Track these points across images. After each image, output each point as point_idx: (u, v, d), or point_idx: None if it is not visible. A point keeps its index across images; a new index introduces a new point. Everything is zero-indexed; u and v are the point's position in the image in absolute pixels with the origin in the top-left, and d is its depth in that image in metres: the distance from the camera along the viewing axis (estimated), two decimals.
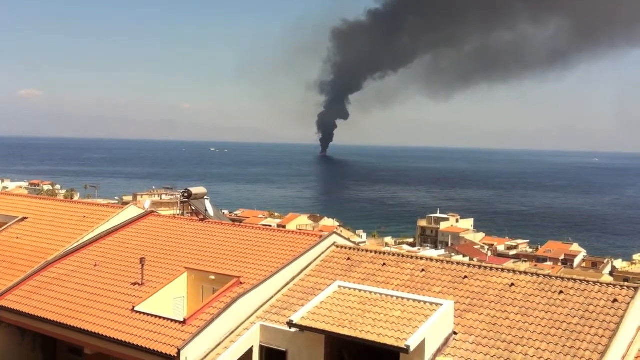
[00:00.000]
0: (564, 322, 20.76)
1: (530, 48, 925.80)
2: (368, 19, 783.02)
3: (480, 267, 25.12)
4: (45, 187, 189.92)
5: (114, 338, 23.98)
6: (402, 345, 19.25)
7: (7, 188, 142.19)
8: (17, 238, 33.72)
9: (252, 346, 22.81)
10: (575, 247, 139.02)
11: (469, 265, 25.63)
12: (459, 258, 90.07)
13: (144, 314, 24.79)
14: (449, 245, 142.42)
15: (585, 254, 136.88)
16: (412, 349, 19.18)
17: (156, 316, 24.49)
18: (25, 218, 35.77)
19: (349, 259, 26.99)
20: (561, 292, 22.23)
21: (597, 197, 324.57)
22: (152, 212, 35.97)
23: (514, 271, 24.38)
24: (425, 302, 21.28)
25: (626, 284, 22.57)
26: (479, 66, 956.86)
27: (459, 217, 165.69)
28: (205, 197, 35.85)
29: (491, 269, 24.76)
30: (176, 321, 23.89)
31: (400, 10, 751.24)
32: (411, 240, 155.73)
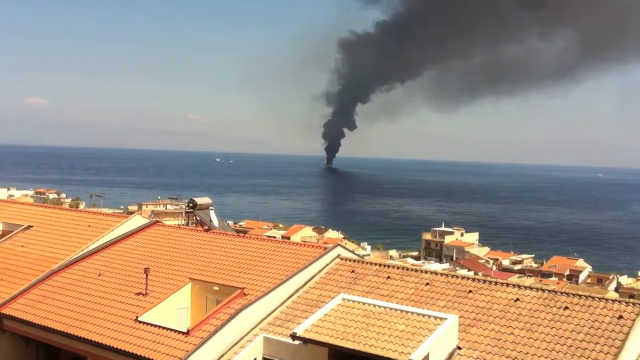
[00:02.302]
0: (569, 338, 20.65)
1: (538, 62, 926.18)
2: (376, 31, 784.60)
3: (485, 281, 25.03)
4: (51, 196, 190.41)
5: (117, 348, 23.94)
6: (406, 359, 19.16)
7: (13, 196, 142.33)
8: (22, 246, 33.78)
9: (255, 358, 22.74)
10: (580, 262, 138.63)
11: (473, 279, 25.56)
12: (464, 272, 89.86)
13: (148, 324, 24.75)
14: (454, 259, 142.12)
15: (591, 270, 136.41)
16: None
17: (160, 327, 24.44)
18: (31, 226, 35.85)
19: (353, 271, 26.94)
20: (566, 307, 22.14)
21: (602, 213, 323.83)
22: (157, 222, 36.01)
23: (519, 286, 24.30)
24: (429, 316, 21.21)
25: (632, 300, 22.48)
26: (486, 79, 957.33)
27: (463, 231, 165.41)
28: (210, 207, 35.84)
29: (496, 283, 24.68)
30: (180, 332, 23.84)
31: (408, 23, 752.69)
32: (416, 253, 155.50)
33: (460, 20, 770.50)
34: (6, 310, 28.18)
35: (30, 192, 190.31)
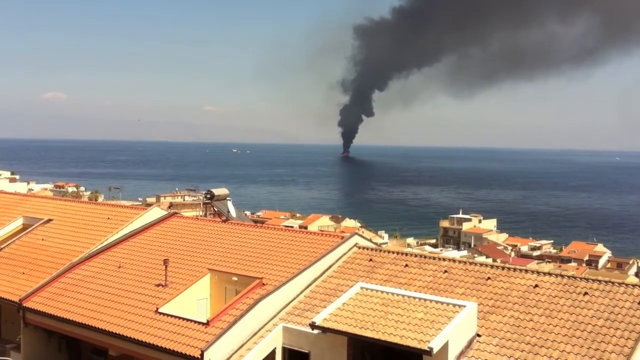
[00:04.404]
0: (589, 323, 20.55)
1: (558, 45, 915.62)
2: (393, 17, 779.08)
3: (503, 268, 24.95)
4: (70, 189, 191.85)
5: (137, 339, 24.17)
6: (425, 347, 19.19)
7: (33, 190, 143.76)
8: (43, 240, 34.12)
9: (275, 348, 22.87)
10: (599, 247, 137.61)
11: (492, 266, 25.47)
12: (482, 259, 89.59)
13: (168, 315, 24.96)
14: (472, 246, 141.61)
15: (610, 255, 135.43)
16: (435, 351, 19.11)
17: (180, 317, 24.64)
18: (51, 220, 36.18)
19: (371, 260, 26.95)
20: (586, 293, 22.02)
21: (621, 197, 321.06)
22: (175, 213, 36.21)
23: (538, 272, 24.18)
24: (448, 304, 21.20)
25: None
26: (504, 65, 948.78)
27: (481, 218, 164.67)
28: (228, 198, 36.00)
29: (514, 270, 24.59)
30: (199, 322, 24.02)
31: (425, 9, 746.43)
32: (433, 241, 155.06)
33: (478, 4, 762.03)
34: (28, 304, 28.54)
35: (50, 186, 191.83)
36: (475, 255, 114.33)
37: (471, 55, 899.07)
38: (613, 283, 22.41)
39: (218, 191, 35.98)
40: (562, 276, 23.64)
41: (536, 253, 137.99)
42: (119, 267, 29.84)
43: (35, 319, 28.56)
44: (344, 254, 27.51)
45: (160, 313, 25.19)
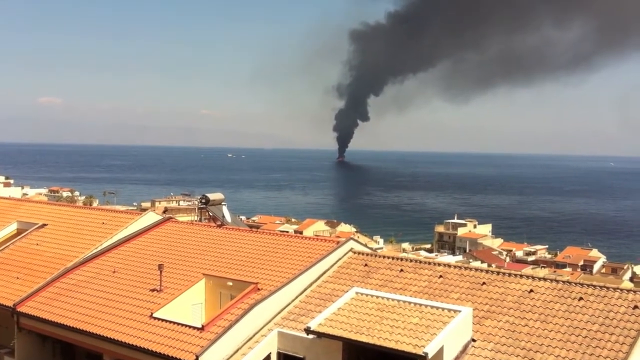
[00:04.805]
0: (584, 328, 20.57)
1: (553, 50, 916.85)
2: (388, 21, 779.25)
3: (498, 273, 24.96)
4: (65, 194, 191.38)
5: (132, 344, 24.07)
6: (420, 352, 19.17)
7: (27, 195, 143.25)
8: (37, 245, 34.01)
9: (270, 353, 22.83)
10: (594, 252, 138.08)
11: (487, 271, 25.49)
12: (477, 264, 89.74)
13: (163, 320, 24.88)
14: (467, 251, 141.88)
15: (605, 260, 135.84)
16: (430, 355, 19.09)
17: (174, 322, 24.55)
18: (45, 225, 36.07)
19: (366, 265, 26.94)
20: (581, 298, 22.04)
21: (616, 202, 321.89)
22: (170, 218, 36.14)
23: (533, 277, 24.21)
24: (443, 309, 21.19)
25: None
26: (500, 69, 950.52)
27: (476, 223, 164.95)
28: (223, 203, 35.91)
29: (510, 275, 24.61)
30: (194, 327, 23.95)
31: (420, 13, 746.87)
32: (428, 246, 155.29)
33: (474, 9, 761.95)
34: (22, 309, 28.42)
35: (44, 191, 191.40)
36: (471, 260, 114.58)
37: (466, 60, 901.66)
38: (608, 288, 22.43)
39: (213, 196, 35.89)
40: (557, 281, 23.65)
41: (531, 258, 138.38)
42: (114, 272, 29.75)
43: (29, 324, 28.43)
44: (339, 259, 27.49)
45: (155, 318, 25.10)
